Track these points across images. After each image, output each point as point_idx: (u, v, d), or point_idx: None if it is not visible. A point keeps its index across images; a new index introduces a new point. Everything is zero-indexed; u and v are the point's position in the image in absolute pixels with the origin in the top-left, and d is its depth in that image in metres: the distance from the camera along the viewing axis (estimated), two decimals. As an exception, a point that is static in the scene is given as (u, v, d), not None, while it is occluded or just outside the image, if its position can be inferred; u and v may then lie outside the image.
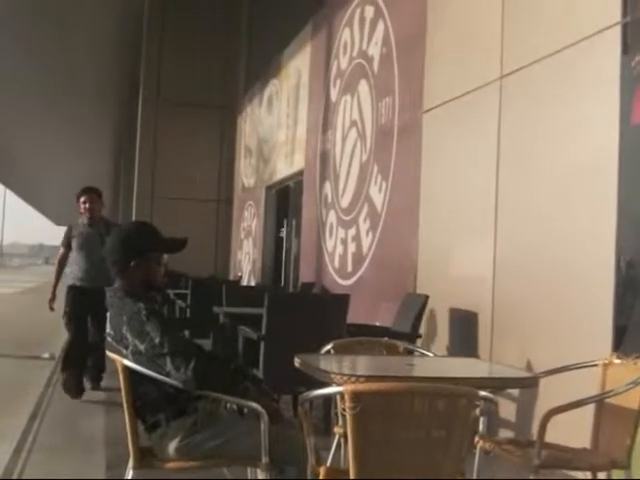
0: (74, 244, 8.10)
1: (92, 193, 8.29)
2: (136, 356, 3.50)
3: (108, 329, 3.66)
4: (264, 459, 3.38)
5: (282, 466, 3.42)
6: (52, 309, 8.12)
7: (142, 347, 3.48)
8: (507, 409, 5.75)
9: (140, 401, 3.57)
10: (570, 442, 4.00)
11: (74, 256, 8.10)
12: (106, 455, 5.50)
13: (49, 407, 7.31)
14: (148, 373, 3.47)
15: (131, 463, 3.51)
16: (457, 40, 7.22)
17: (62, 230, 8.79)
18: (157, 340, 3.46)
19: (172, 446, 3.51)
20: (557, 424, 3.64)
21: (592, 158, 5.13)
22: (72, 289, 8.00)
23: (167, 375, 3.42)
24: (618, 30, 4.94)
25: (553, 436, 3.81)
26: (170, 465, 3.51)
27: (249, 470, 3.82)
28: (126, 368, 3.48)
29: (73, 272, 8.06)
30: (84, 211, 8.18)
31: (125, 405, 3.53)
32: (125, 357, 3.51)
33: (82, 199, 8.22)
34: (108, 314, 3.71)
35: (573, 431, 4.02)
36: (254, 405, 3.46)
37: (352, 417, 2.75)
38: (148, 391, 3.56)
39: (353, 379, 3.16)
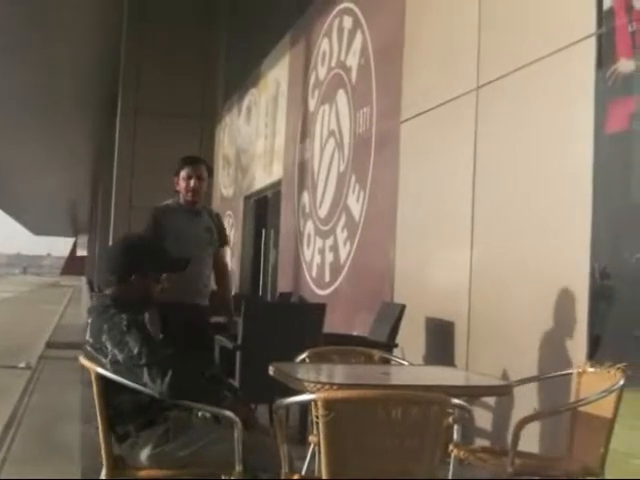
0: (172, 239, 5.47)
1: (201, 165, 5.88)
2: (114, 366, 3.48)
3: (87, 336, 3.63)
4: (237, 467, 3.37)
5: (255, 473, 3.41)
6: None
7: (120, 357, 3.46)
8: (483, 417, 5.76)
9: (113, 411, 3.56)
10: (544, 450, 4.01)
11: None
12: (82, 465, 5.47)
13: (24, 417, 7.26)
14: (123, 382, 3.46)
15: (104, 472, 3.49)
16: (434, 51, 7.24)
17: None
18: (135, 351, 3.44)
19: (143, 455, 3.50)
20: (532, 432, 3.66)
21: (567, 168, 5.16)
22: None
23: (144, 386, 3.41)
24: (593, 41, 4.97)
25: (528, 444, 3.83)
26: (143, 474, 3.50)
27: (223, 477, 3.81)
28: (100, 377, 3.47)
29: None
30: (185, 191, 5.74)
31: (99, 414, 3.52)
32: (104, 366, 3.49)
33: (185, 172, 5.76)
34: (89, 320, 3.68)
35: (547, 439, 4.04)
36: (227, 413, 3.45)
37: (325, 425, 2.75)
38: (122, 402, 3.55)
39: (327, 387, 3.16)
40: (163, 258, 3.88)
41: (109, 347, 3.49)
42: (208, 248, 5.81)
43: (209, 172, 5.93)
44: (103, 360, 3.51)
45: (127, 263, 3.74)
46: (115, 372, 3.46)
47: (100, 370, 3.46)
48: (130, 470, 3.52)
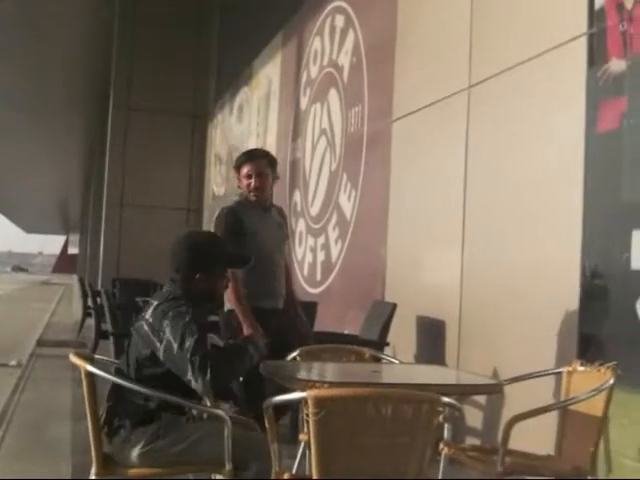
0: (247, 239, 5.16)
1: (261, 159, 5.42)
2: (167, 353, 3.50)
3: (147, 315, 3.65)
4: (227, 465, 3.37)
5: (245, 470, 3.42)
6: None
7: (174, 346, 3.47)
8: (473, 416, 5.77)
9: (115, 404, 3.57)
10: (535, 449, 4.02)
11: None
12: (72, 462, 5.46)
13: (15, 414, 7.24)
14: (119, 382, 3.48)
15: (94, 470, 3.49)
16: (426, 50, 7.25)
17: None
18: (187, 345, 3.45)
19: (134, 453, 3.51)
20: (522, 431, 3.66)
21: (559, 167, 5.17)
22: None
23: (188, 382, 3.44)
24: (584, 41, 4.98)
25: (518, 443, 3.83)
26: (133, 472, 3.49)
27: (213, 476, 3.80)
28: (89, 374, 3.46)
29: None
30: (247, 190, 5.35)
31: (88, 411, 3.51)
32: (157, 350, 3.52)
33: (244, 170, 5.35)
34: (153, 301, 3.70)
35: (538, 438, 4.05)
36: (218, 412, 3.47)
37: (315, 423, 2.75)
38: (128, 397, 3.56)
39: (317, 385, 3.16)
40: (227, 255, 3.90)
41: (167, 333, 3.51)
42: (282, 245, 5.52)
43: (272, 165, 5.42)
44: (157, 344, 3.53)
45: (192, 262, 3.74)
46: (167, 359, 3.49)
47: (90, 368, 3.45)
48: (119, 468, 3.52)
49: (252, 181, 5.27)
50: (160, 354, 3.52)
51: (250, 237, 5.14)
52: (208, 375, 3.39)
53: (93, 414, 3.51)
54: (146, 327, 3.61)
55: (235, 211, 5.31)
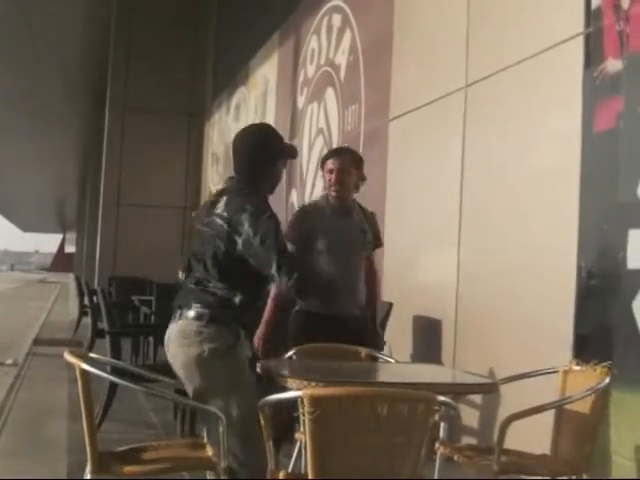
0: (320, 243, 5.01)
1: (345, 156, 5.22)
2: (246, 245, 3.57)
3: (220, 210, 3.69)
4: (222, 463, 3.37)
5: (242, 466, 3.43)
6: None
7: (255, 241, 3.55)
8: (470, 416, 5.77)
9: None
10: (530, 448, 4.02)
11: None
12: (68, 461, 5.46)
13: (11, 413, 7.24)
14: (118, 381, 3.51)
15: (89, 468, 3.48)
16: (423, 49, 7.24)
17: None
18: (268, 240, 3.54)
19: (202, 349, 3.61)
20: (518, 430, 3.66)
21: (555, 166, 5.17)
22: (303, 315, 5.09)
23: (269, 276, 3.61)
24: (581, 40, 4.98)
25: (514, 442, 3.83)
26: (128, 470, 3.49)
27: (208, 474, 3.80)
28: (84, 372, 3.46)
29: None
30: (328, 186, 5.15)
31: (83, 410, 3.51)
32: (235, 243, 3.59)
33: (327, 165, 5.15)
34: (223, 197, 3.73)
35: (533, 437, 4.05)
36: (212, 409, 3.48)
37: (311, 422, 2.75)
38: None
39: (313, 384, 3.16)
40: (285, 145, 4.01)
41: (245, 226, 3.56)
42: (362, 251, 5.21)
43: (357, 163, 5.20)
44: (235, 237, 3.59)
45: (261, 156, 3.82)
46: (246, 250, 3.58)
47: (84, 366, 3.44)
48: (115, 467, 3.51)
49: (332, 175, 5.09)
50: (239, 247, 3.59)
51: (320, 238, 4.99)
52: (295, 275, 3.53)
53: (88, 412, 3.50)
54: (219, 221, 3.64)
55: (308, 211, 5.20)
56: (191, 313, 3.63)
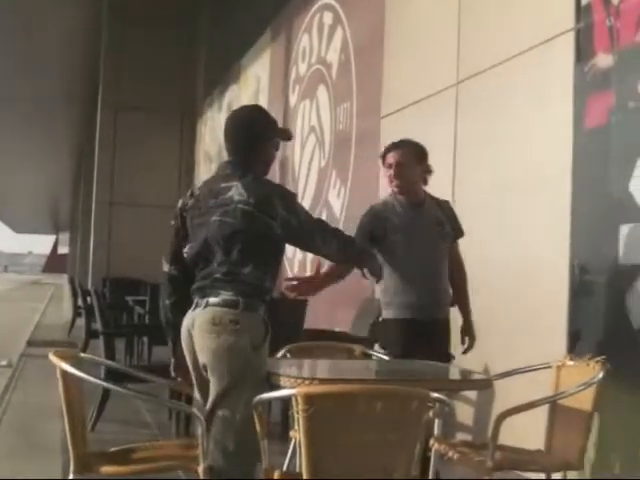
0: (393, 243, 4.70)
1: (404, 147, 4.81)
2: (285, 227, 3.62)
3: (238, 196, 3.64)
4: (202, 464, 3.35)
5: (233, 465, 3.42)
6: None
7: (295, 222, 3.62)
8: (464, 412, 5.77)
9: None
10: (524, 444, 4.02)
11: (386, 266, 4.75)
12: (62, 462, 5.44)
13: (5, 414, 7.23)
14: (115, 388, 3.50)
15: (72, 468, 3.47)
16: (414, 46, 7.25)
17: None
18: (306, 219, 3.70)
19: (241, 342, 3.54)
20: (512, 426, 3.66)
21: (547, 163, 5.18)
22: (396, 324, 4.73)
23: (315, 247, 3.79)
24: (572, 36, 4.99)
25: (508, 438, 3.84)
26: (111, 470, 3.46)
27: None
28: (65, 373, 3.45)
29: (388, 294, 4.82)
30: (389, 182, 4.82)
31: (65, 410, 3.49)
32: (271, 228, 3.60)
33: (385, 160, 4.82)
34: (237, 183, 3.67)
35: (527, 433, 4.05)
36: (194, 410, 3.49)
37: (305, 420, 2.75)
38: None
39: (307, 382, 3.16)
40: (277, 126, 3.97)
41: (279, 210, 3.59)
42: (441, 244, 4.86)
43: (418, 155, 4.79)
44: (270, 221, 3.59)
45: (251, 137, 3.80)
46: (286, 233, 3.63)
47: (65, 367, 3.43)
48: (98, 467, 3.47)
49: (392, 171, 4.75)
50: (276, 231, 3.60)
51: (394, 238, 4.67)
52: (341, 238, 3.75)
53: (69, 412, 3.48)
54: (245, 207, 3.59)
55: (377, 211, 4.81)
56: (221, 301, 3.57)
